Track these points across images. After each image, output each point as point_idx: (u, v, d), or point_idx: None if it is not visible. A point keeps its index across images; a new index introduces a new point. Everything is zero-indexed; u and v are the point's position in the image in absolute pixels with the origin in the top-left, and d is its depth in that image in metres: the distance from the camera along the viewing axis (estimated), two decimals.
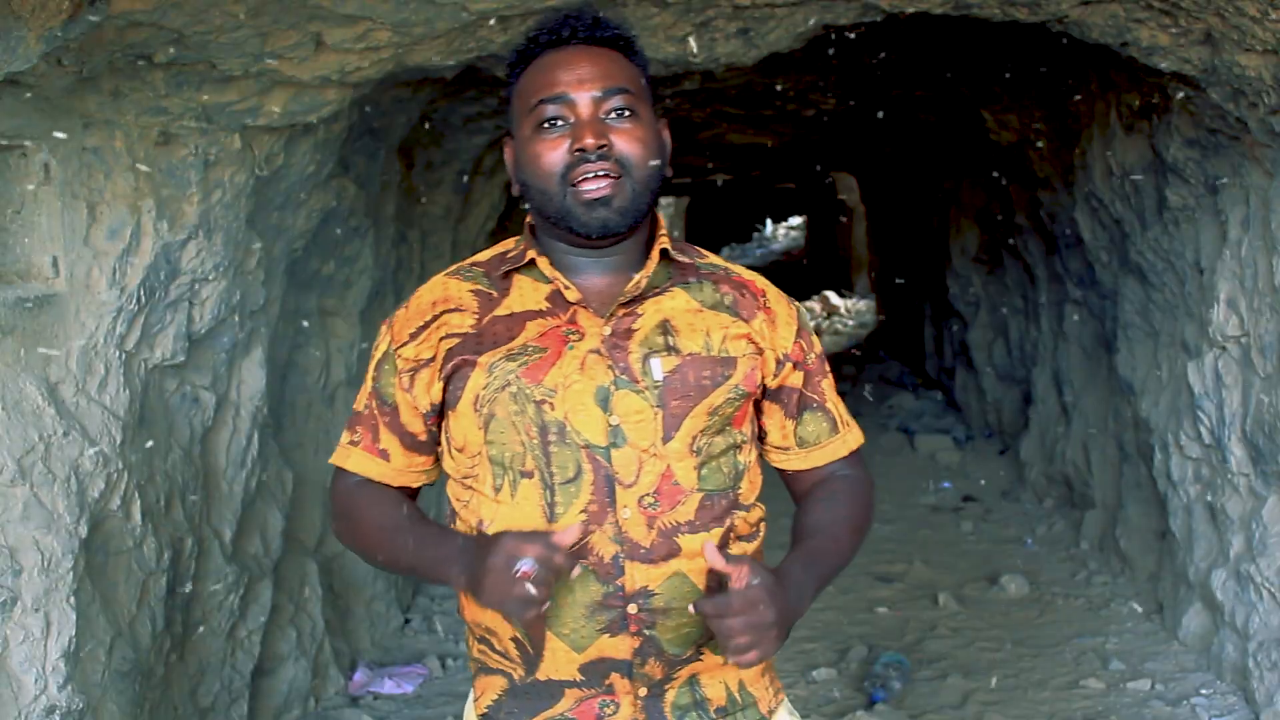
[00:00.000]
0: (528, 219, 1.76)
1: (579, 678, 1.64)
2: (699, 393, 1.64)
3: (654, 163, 1.66)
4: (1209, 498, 4.33)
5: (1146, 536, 5.17)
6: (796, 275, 19.18)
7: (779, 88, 5.53)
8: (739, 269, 1.79)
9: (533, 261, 1.70)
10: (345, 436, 1.78)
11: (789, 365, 1.74)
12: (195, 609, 3.46)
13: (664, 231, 1.73)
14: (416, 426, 1.73)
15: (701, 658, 1.67)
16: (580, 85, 1.64)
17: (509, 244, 1.77)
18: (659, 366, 1.63)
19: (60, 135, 2.78)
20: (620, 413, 1.62)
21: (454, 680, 4.52)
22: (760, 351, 1.71)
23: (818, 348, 1.80)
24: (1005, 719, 4.10)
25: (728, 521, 1.66)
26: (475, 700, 1.74)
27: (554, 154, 1.63)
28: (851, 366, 12.02)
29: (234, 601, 3.61)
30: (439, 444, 1.75)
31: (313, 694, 4.17)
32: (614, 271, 1.70)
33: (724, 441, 1.67)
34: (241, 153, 3.29)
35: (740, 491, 1.69)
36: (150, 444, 3.16)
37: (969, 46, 5.26)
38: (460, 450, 1.68)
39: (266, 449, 3.91)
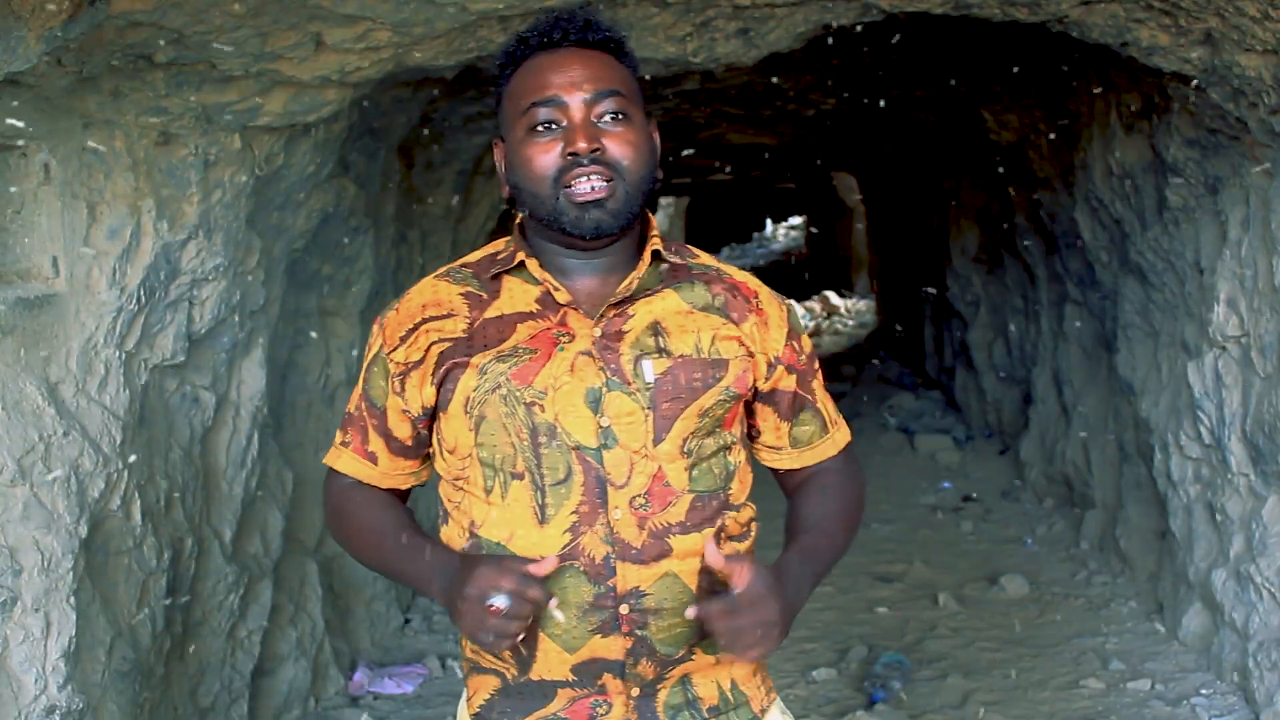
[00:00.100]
0: (517, 220, 1.76)
1: (571, 678, 1.64)
2: (690, 394, 1.64)
3: (646, 165, 1.66)
4: (1209, 498, 4.33)
5: (1146, 536, 5.17)
6: (796, 275, 19.19)
7: (774, 80, 5.52)
8: (731, 269, 1.79)
9: (522, 263, 1.70)
10: (338, 437, 1.80)
11: (781, 368, 1.75)
12: (195, 609, 3.46)
13: (655, 232, 1.73)
14: (403, 432, 1.73)
15: (693, 658, 1.67)
16: (573, 88, 1.63)
17: (498, 245, 1.77)
18: (650, 368, 1.64)
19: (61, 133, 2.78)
20: (611, 414, 1.62)
21: (454, 680, 4.52)
22: (751, 354, 1.71)
23: (808, 348, 1.81)
24: (1005, 719, 4.10)
25: (719, 522, 1.67)
26: (468, 700, 1.75)
27: (546, 157, 1.63)
28: (851, 366, 12.02)
29: (234, 601, 3.61)
30: (428, 446, 1.75)
31: (313, 694, 4.17)
32: (604, 273, 1.70)
33: (715, 443, 1.68)
34: (241, 153, 3.29)
35: (731, 492, 1.70)
36: (150, 444, 3.16)
37: (969, 46, 5.26)
38: (451, 452, 1.69)
39: (266, 449, 3.91)
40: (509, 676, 1.68)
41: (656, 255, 1.71)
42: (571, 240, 1.66)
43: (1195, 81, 3.69)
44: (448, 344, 1.66)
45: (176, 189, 3.14)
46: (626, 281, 1.67)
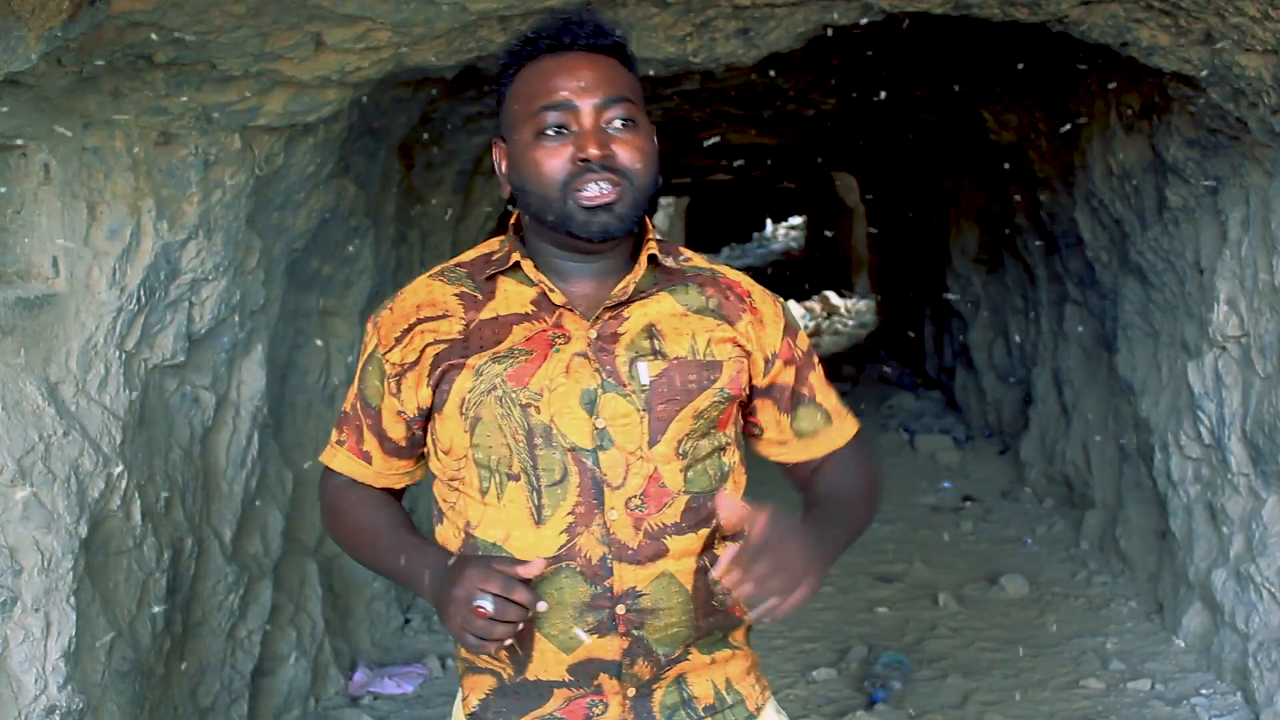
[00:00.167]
0: (511, 220, 1.76)
1: (568, 678, 1.65)
2: (685, 396, 1.65)
3: (652, 171, 1.67)
4: (1209, 498, 4.33)
5: (1146, 536, 5.17)
6: (796, 275, 19.19)
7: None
8: (724, 269, 1.79)
9: (517, 264, 1.70)
10: (333, 435, 1.81)
11: (779, 363, 1.76)
12: (195, 609, 3.46)
13: (652, 236, 1.73)
14: (397, 433, 1.74)
15: (689, 657, 1.68)
16: (583, 93, 1.63)
17: (492, 245, 1.76)
18: (645, 370, 1.64)
19: (64, 132, 2.78)
20: (606, 416, 1.62)
21: (454, 680, 4.47)
22: (747, 354, 1.72)
23: (805, 343, 1.81)
24: (1005, 719, 4.10)
25: (714, 523, 1.67)
26: (463, 700, 1.75)
27: (556, 161, 1.63)
28: (851, 366, 12.01)
29: (234, 601, 3.62)
30: (423, 446, 1.76)
31: (313, 694, 4.17)
32: (600, 276, 1.70)
33: (709, 444, 1.68)
34: (241, 153, 3.29)
35: (725, 493, 1.70)
36: (150, 444, 3.16)
37: (969, 46, 5.26)
38: (446, 453, 1.69)
39: (266, 449, 3.91)
40: (505, 676, 1.68)
41: (653, 259, 1.72)
42: (576, 243, 1.66)
43: (1195, 81, 3.69)
44: (443, 345, 1.66)
45: (176, 189, 3.14)
46: (623, 284, 1.68)
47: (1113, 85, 4.65)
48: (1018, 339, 7.53)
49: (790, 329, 1.78)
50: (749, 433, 1.81)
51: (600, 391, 1.63)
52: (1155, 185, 4.57)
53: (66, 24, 2.31)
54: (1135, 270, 4.97)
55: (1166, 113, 4.22)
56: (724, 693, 1.72)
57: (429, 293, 1.72)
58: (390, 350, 1.70)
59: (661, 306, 1.70)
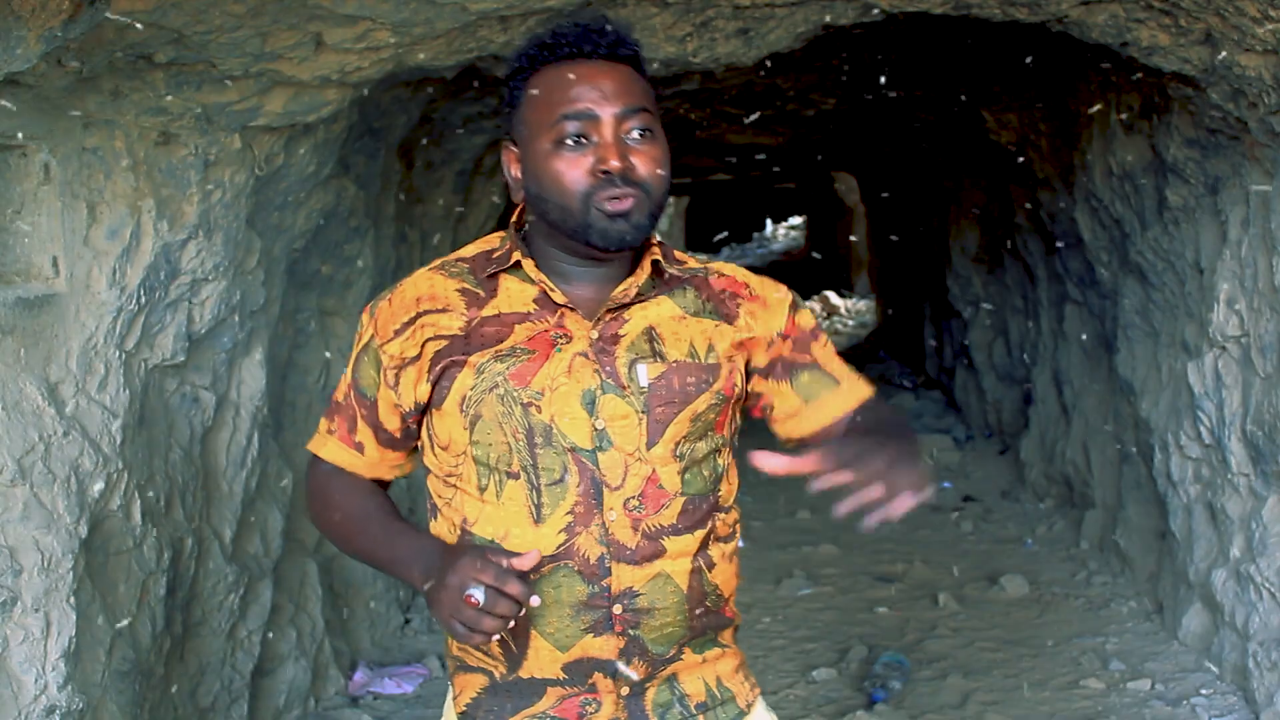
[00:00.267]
0: (513, 218, 1.75)
1: (562, 676, 1.65)
2: (684, 399, 1.66)
3: (667, 182, 1.68)
4: (1209, 498, 4.33)
5: (1146, 536, 5.17)
6: (796, 275, 19.18)
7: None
8: (719, 266, 1.80)
9: (518, 263, 1.70)
10: (323, 424, 1.80)
11: (779, 339, 1.76)
12: (195, 609, 3.46)
13: (655, 240, 1.74)
14: (393, 424, 1.73)
15: (683, 657, 1.69)
16: (605, 103, 1.63)
17: (493, 241, 1.76)
18: (645, 372, 1.65)
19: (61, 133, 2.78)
20: (606, 416, 1.63)
21: None
22: (747, 343, 1.73)
23: (811, 321, 1.81)
24: (1005, 719, 4.10)
25: (709, 524, 1.68)
26: (454, 698, 1.76)
27: (576, 172, 1.62)
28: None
29: (234, 601, 3.62)
30: (416, 439, 1.76)
31: (313, 694, 4.17)
32: (601, 279, 1.70)
33: (706, 446, 1.69)
34: (241, 153, 3.29)
35: (720, 494, 1.71)
36: (150, 444, 3.16)
37: (969, 46, 5.26)
38: (444, 448, 1.69)
39: (266, 449, 3.91)
40: (497, 674, 1.69)
41: (655, 265, 1.72)
42: (590, 250, 1.66)
43: (1195, 81, 3.69)
44: (444, 341, 1.66)
45: (176, 189, 3.14)
46: (624, 286, 1.68)
47: (1112, 85, 4.65)
48: (1018, 339, 7.53)
49: (795, 307, 1.79)
50: (763, 418, 1.79)
51: (599, 392, 1.63)
52: (1155, 185, 4.57)
53: (66, 24, 2.31)
54: (1135, 270, 4.97)
55: (1166, 113, 4.22)
56: (715, 690, 1.73)
57: (430, 286, 1.71)
58: (389, 342, 1.69)
59: (661, 310, 1.71)
